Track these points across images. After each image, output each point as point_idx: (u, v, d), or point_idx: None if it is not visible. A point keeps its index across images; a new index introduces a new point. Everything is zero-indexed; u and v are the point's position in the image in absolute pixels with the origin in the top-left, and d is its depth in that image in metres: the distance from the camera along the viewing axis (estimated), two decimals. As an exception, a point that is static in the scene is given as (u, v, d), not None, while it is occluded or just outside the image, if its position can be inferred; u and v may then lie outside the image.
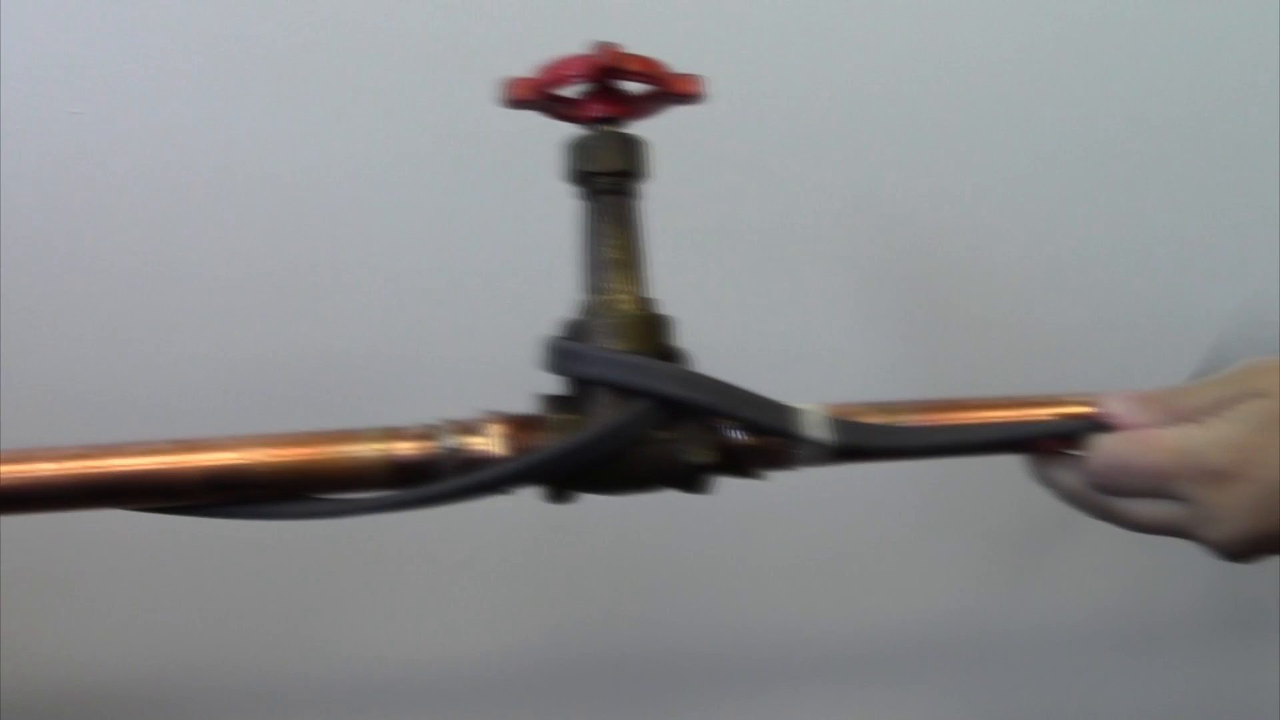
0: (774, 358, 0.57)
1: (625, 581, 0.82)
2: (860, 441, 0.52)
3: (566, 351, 0.51)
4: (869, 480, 0.58)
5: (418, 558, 0.78)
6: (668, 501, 0.54)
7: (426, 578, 0.79)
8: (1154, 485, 0.51)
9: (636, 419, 0.49)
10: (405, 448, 0.50)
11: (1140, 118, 0.85)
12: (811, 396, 0.52)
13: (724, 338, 0.58)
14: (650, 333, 0.51)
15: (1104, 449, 0.52)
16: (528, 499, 0.52)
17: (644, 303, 0.52)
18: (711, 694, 0.84)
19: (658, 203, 0.53)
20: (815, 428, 0.51)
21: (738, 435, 0.51)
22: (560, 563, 0.81)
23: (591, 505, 0.54)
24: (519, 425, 0.50)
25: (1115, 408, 0.52)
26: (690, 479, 0.51)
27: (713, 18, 0.77)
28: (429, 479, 0.49)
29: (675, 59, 0.52)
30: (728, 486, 0.55)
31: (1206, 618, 0.93)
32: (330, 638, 0.78)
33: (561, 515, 0.56)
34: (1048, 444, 0.54)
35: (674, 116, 0.54)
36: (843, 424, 0.51)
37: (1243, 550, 0.51)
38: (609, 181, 0.52)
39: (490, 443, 0.50)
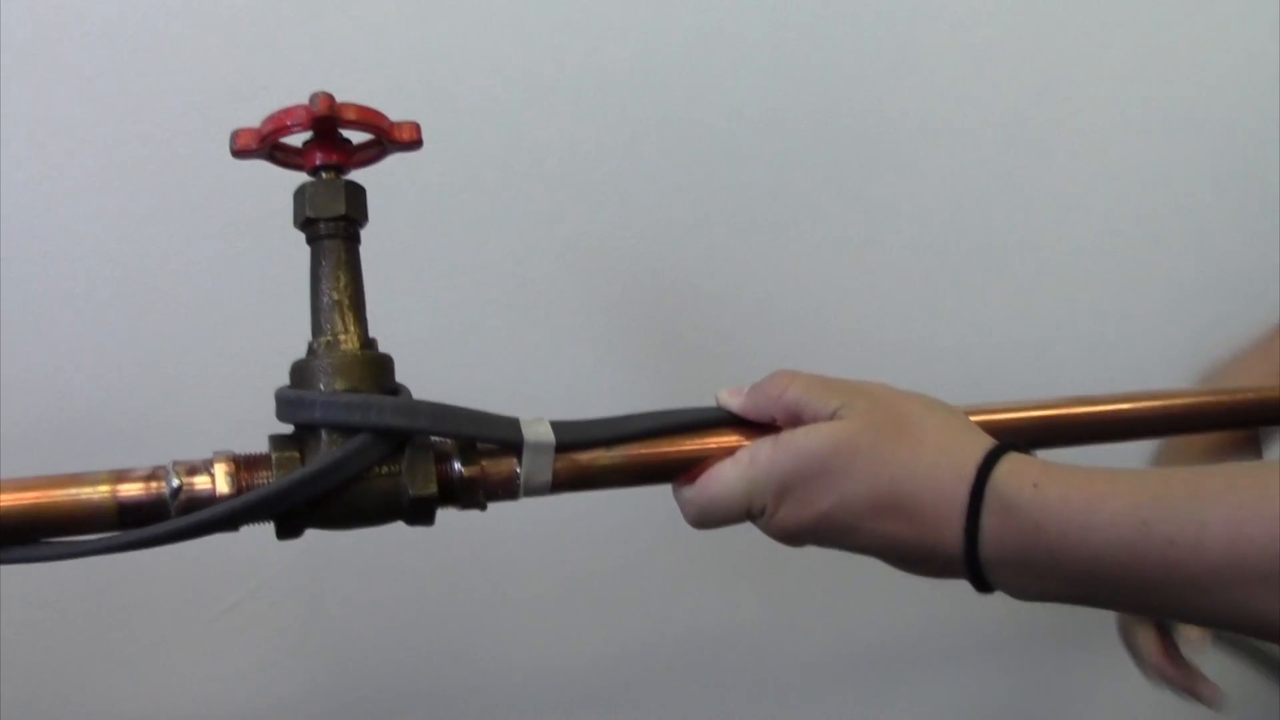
0: (506, 393, 0.59)
1: (391, 621, 0.85)
2: (578, 437, 0.55)
3: (290, 400, 0.53)
4: (618, 511, 0.60)
5: (181, 605, 0.79)
6: (429, 538, 0.56)
7: (190, 626, 0.80)
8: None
9: (355, 453, 0.51)
10: (131, 489, 0.51)
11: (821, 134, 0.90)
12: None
13: (456, 374, 0.60)
14: (371, 371, 0.53)
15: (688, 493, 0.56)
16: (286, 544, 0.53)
17: (365, 343, 0.54)
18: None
19: (390, 243, 0.56)
20: (536, 431, 0.53)
21: (459, 469, 0.54)
22: (322, 606, 0.83)
23: (350, 545, 0.56)
24: (243, 464, 0.52)
25: (727, 399, 0.57)
26: (414, 511, 0.53)
27: (441, 61, 0.80)
28: (156, 519, 0.51)
29: (398, 103, 0.55)
30: (487, 523, 0.57)
31: (974, 636, 0.98)
32: (91, 692, 0.79)
33: (320, 557, 0.57)
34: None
35: (403, 159, 0.56)
36: (560, 425, 0.55)
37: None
38: (330, 227, 0.54)
39: (214, 482, 0.51)
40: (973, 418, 0.59)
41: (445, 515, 0.54)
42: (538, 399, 0.59)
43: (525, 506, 0.56)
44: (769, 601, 0.94)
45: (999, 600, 0.53)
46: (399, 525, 0.54)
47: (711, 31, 0.85)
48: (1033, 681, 1.07)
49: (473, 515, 0.55)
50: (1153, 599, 0.48)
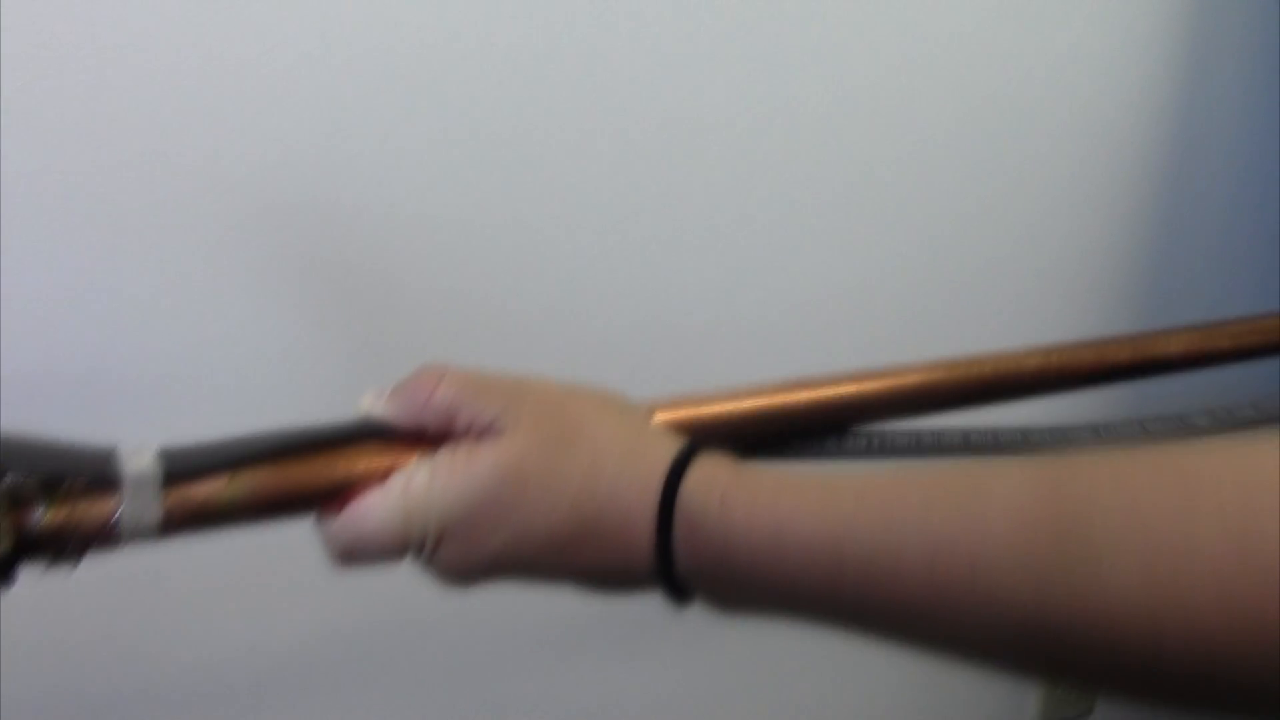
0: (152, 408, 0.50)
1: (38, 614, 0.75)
2: (192, 464, 0.45)
3: None
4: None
5: None
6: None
7: None
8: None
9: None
10: None
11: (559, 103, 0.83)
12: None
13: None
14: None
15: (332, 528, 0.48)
16: None
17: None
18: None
19: None
20: (137, 462, 0.44)
21: (42, 515, 0.44)
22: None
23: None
24: None
25: (370, 404, 0.49)
26: (-13, 571, 0.43)
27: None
28: None
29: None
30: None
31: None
32: None
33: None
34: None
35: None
36: (171, 452, 0.45)
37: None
38: None
39: None
40: (670, 414, 0.53)
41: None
42: (201, 416, 0.50)
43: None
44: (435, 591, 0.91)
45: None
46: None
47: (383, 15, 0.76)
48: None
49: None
50: (856, 624, 0.43)
